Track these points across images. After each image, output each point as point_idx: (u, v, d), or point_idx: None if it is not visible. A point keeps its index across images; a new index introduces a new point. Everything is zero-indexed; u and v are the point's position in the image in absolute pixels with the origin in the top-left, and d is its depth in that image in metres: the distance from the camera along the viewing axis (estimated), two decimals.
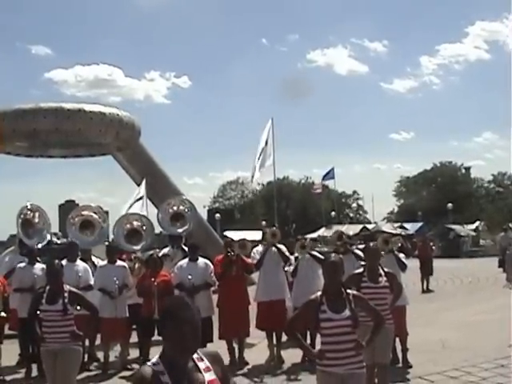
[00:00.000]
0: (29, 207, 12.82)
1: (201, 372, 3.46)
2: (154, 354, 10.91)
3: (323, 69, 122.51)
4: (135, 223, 13.64)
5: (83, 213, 13.78)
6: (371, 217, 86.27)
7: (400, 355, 10.65)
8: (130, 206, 16.26)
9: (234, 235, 33.85)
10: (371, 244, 9.37)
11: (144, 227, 13.58)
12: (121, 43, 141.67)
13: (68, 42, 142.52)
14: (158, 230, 15.88)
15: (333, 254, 7.33)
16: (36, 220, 12.91)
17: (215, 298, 11.86)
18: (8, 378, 10.93)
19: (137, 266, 12.64)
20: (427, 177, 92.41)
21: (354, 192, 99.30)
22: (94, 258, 13.13)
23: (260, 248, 12.02)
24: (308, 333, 10.49)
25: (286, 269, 11.84)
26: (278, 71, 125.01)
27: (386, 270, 8.44)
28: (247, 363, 11.31)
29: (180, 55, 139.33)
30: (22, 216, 12.59)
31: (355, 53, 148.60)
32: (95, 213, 13.74)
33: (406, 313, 10.80)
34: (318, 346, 6.59)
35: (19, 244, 12.86)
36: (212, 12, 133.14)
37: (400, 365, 10.50)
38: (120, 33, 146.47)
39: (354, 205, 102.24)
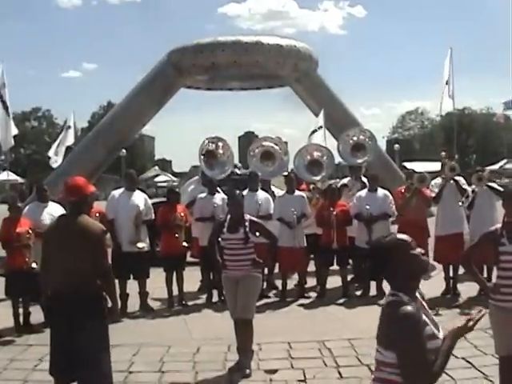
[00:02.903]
0: (212, 139, 13.10)
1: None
2: (331, 283, 11.00)
3: None
4: (315, 154, 13.58)
5: (264, 144, 13.92)
6: None
7: None
8: (312, 133, 16.29)
9: (414, 166, 33.12)
10: None
11: (325, 158, 13.51)
12: None
13: None
14: (337, 160, 15.88)
15: None
16: (220, 151, 13.18)
17: (394, 228, 11.79)
18: (190, 302, 11.41)
19: (316, 196, 12.72)
20: None
21: None
22: (273, 188, 13.33)
23: (438, 181, 11.74)
24: (485, 267, 10.21)
25: (462, 201, 11.51)
26: None
27: None
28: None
29: None
30: (205, 147, 12.89)
31: None
32: (276, 144, 13.83)
33: None
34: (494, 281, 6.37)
35: (202, 175, 13.21)
36: None
37: None
38: None
39: None
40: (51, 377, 5.87)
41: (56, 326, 5.73)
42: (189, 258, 12.04)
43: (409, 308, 3.23)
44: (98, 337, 5.69)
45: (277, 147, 13.73)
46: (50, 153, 18.89)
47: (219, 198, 11.67)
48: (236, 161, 15.07)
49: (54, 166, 18.49)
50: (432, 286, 11.35)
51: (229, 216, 8.00)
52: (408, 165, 45.23)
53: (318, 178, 13.22)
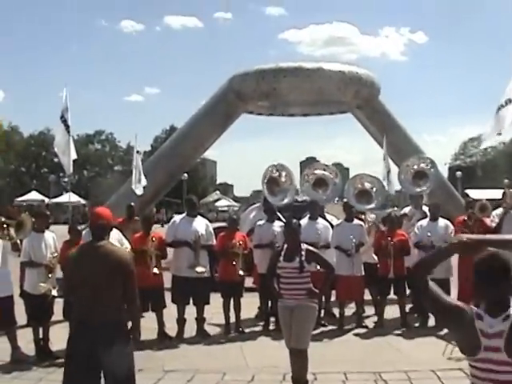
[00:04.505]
0: (275, 166, 13.15)
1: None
2: (390, 313, 10.82)
3: None
4: (366, 184, 13.52)
5: (316, 171, 13.93)
6: None
7: None
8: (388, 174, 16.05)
9: (476, 194, 32.52)
10: None
11: (374, 189, 13.42)
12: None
13: (301, 1, 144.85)
14: (398, 187, 15.74)
15: None
16: (282, 179, 13.20)
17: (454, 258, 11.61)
18: (247, 330, 11.39)
19: (367, 225, 12.63)
20: None
21: None
22: (328, 216, 13.27)
23: (499, 211, 11.53)
24: None
25: None
26: None
27: None
28: None
29: (414, 10, 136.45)
30: (268, 174, 12.94)
31: None
32: (330, 173, 13.79)
33: None
34: None
35: (264, 202, 13.25)
36: None
37: None
38: None
39: None
40: None
41: (79, 354, 5.49)
42: (250, 284, 12.10)
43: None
44: (123, 364, 5.55)
45: (328, 173, 13.72)
46: (133, 185, 18.49)
47: (278, 225, 11.64)
48: (298, 186, 15.05)
49: (138, 192, 18.23)
50: None
51: (285, 245, 8.02)
52: (470, 192, 44.60)
53: (368, 207, 13.12)
